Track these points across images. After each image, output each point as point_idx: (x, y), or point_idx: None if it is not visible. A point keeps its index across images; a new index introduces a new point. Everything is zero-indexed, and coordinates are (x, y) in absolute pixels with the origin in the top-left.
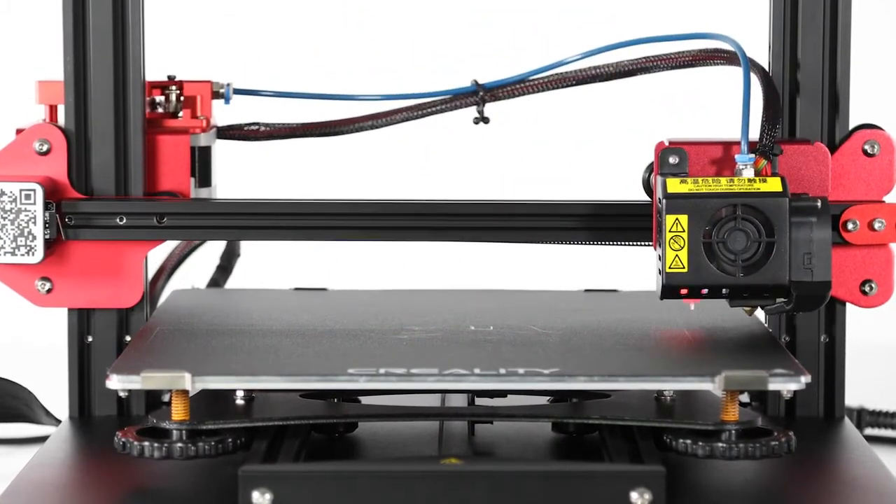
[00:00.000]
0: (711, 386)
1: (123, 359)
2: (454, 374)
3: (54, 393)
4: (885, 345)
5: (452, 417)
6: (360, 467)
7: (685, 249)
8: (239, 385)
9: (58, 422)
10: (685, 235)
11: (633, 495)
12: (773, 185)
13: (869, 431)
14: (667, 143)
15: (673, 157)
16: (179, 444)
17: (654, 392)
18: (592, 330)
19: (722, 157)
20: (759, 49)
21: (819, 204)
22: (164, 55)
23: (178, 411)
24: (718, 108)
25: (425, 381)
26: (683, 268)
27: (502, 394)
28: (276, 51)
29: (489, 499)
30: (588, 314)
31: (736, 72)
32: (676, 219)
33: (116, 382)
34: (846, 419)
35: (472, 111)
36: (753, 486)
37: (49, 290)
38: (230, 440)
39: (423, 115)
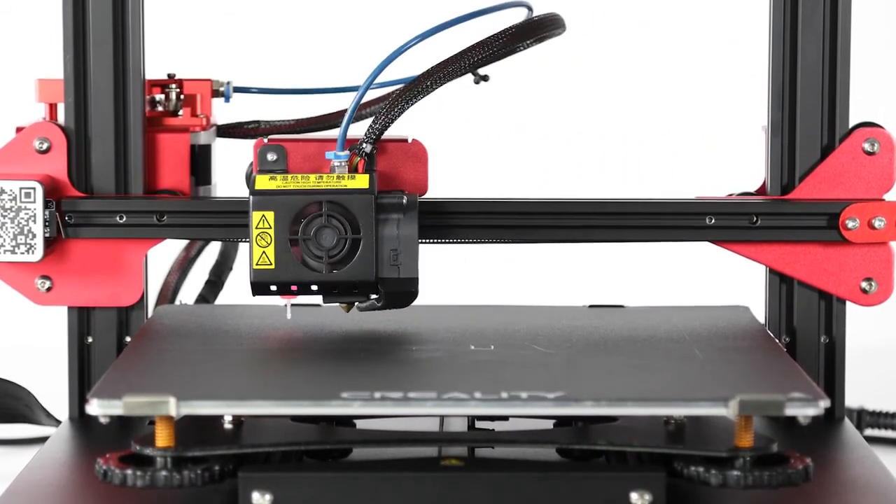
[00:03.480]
0: (725, 411)
1: (105, 381)
2: (453, 398)
3: (54, 393)
4: (885, 345)
5: (451, 443)
6: (361, 468)
7: (272, 246)
8: (226, 410)
9: (58, 422)
10: (272, 232)
11: (634, 496)
12: (361, 182)
13: (869, 432)
14: (265, 141)
15: (271, 154)
16: (164, 473)
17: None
18: (598, 349)
19: (320, 153)
20: (760, 48)
21: (404, 200)
22: (163, 53)
23: (163, 437)
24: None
25: (423, 406)
26: (270, 264)
27: (504, 416)
28: (275, 48)
29: (490, 500)
30: (593, 332)
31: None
32: (263, 215)
33: (97, 408)
34: (846, 419)
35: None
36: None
37: (49, 289)
38: (217, 468)
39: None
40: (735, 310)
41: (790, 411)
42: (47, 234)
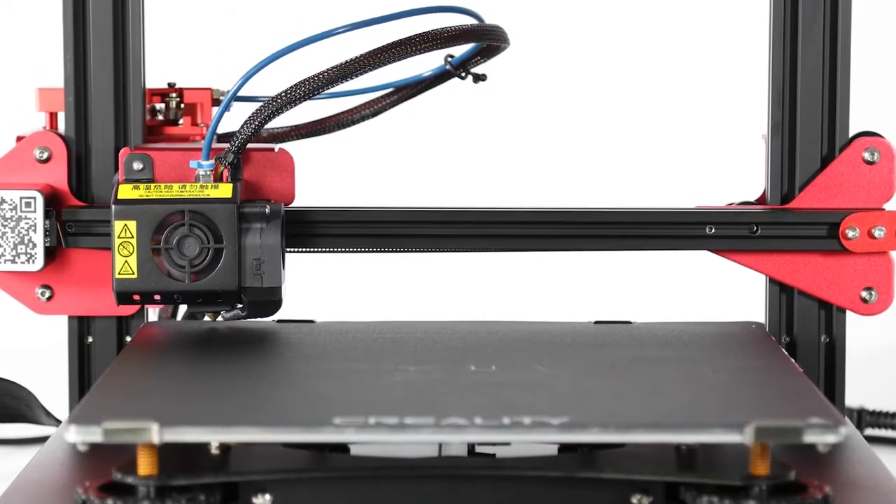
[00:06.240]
0: (740, 437)
1: (85, 405)
2: (452, 424)
3: (54, 393)
4: (885, 346)
5: (450, 470)
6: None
7: (134, 255)
8: (212, 437)
9: (58, 422)
10: (134, 241)
11: (634, 500)
12: (224, 191)
13: (869, 431)
14: (131, 149)
15: (137, 163)
16: (146, 503)
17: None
18: (605, 370)
19: (186, 162)
20: (760, 57)
21: (267, 210)
22: (164, 62)
23: (145, 465)
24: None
25: (420, 433)
26: (133, 274)
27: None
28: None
29: (490, 502)
30: (599, 350)
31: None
32: (125, 224)
33: (75, 434)
34: (846, 419)
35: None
36: None
37: (49, 298)
38: (203, 497)
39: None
40: (747, 326)
41: (809, 438)
42: (48, 244)
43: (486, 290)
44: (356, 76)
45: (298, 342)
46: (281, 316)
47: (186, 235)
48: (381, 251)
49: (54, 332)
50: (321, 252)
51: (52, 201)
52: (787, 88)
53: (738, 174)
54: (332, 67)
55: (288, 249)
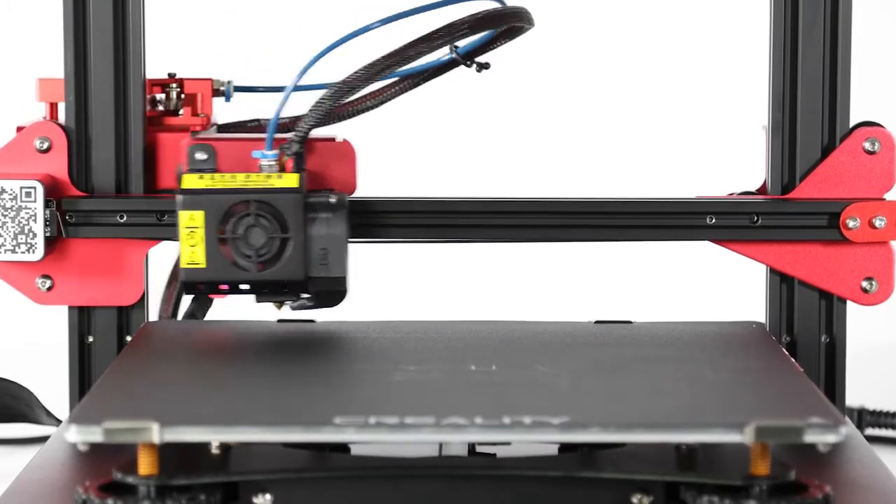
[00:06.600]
0: (740, 437)
1: (85, 405)
2: (453, 424)
3: (54, 393)
4: (886, 344)
5: (451, 470)
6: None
7: (201, 245)
8: (213, 436)
9: (58, 422)
10: (201, 231)
11: (634, 500)
12: (290, 181)
13: (869, 431)
14: (193, 139)
15: (200, 153)
16: (147, 502)
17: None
18: (605, 370)
19: (250, 152)
20: (761, 47)
21: (333, 200)
22: (164, 53)
23: (146, 464)
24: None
25: (420, 432)
26: (200, 264)
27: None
28: (276, 48)
29: (490, 502)
30: (599, 350)
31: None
32: (191, 215)
33: (75, 434)
34: (846, 419)
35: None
36: None
37: (49, 288)
38: (203, 497)
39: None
40: (747, 326)
41: (809, 438)
42: (48, 234)
43: (487, 289)
44: (413, 60)
45: (298, 342)
46: (281, 315)
47: (253, 225)
48: (442, 241)
49: (54, 332)
50: (385, 242)
51: (53, 191)
52: (787, 78)
53: (738, 164)
54: (390, 53)
55: (351, 240)
